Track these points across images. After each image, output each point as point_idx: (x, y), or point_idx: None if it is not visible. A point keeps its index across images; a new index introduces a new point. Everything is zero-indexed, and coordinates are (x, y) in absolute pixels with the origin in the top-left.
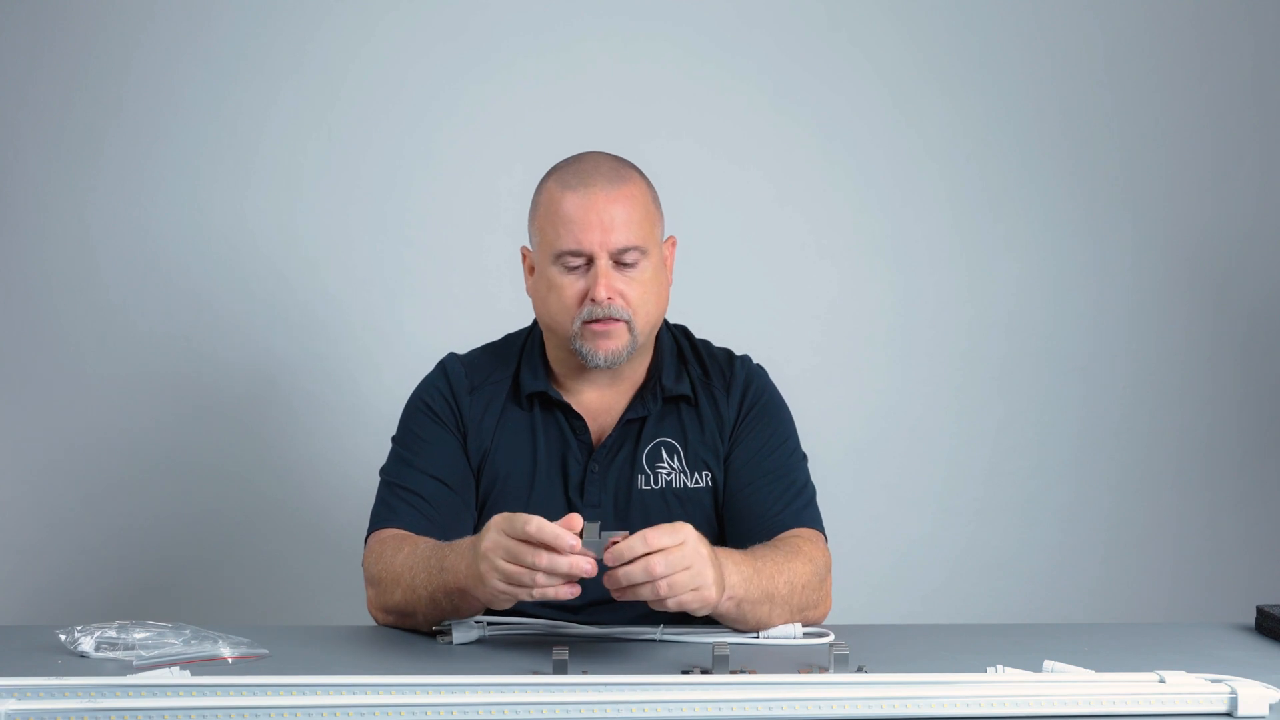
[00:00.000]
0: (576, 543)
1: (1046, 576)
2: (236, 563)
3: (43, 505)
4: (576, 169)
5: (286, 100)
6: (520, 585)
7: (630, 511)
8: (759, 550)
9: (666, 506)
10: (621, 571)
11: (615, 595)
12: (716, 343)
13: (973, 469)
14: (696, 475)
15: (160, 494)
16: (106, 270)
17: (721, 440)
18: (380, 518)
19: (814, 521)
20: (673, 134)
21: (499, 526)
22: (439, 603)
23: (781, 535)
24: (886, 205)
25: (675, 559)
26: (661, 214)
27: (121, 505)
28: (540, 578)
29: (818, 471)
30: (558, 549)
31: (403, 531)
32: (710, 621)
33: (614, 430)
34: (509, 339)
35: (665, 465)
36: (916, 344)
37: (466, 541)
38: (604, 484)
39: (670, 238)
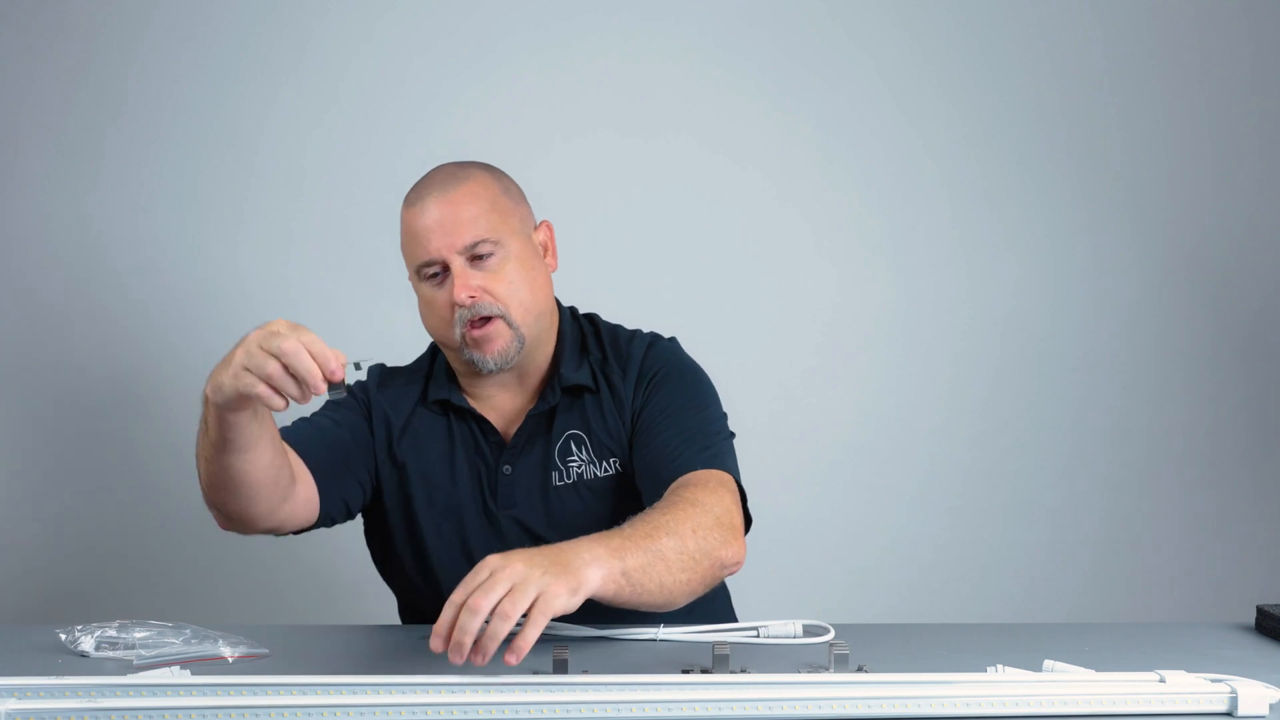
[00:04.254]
0: (338, 369)
1: (1046, 576)
2: (236, 563)
3: (43, 505)
4: (416, 186)
5: (286, 100)
6: (253, 369)
7: (549, 509)
8: (629, 521)
9: (580, 500)
10: (460, 630)
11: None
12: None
13: (972, 468)
14: (604, 464)
15: (161, 494)
16: (106, 270)
17: (623, 423)
18: None
19: (719, 463)
20: (673, 133)
21: (278, 323)
22: (200, 440)
23: (677, 483)
24: (886, 205)
25: (490, 587)
26: (520, 203)
27: (122, 505)
28: (273, 368)
29: (819, 471)
30: (316, 357)
31: None
32: (710, 620)
33: (518, 429)
34: (426, 352)
35: (575, 458)
36: (917, 344)
37: None
38: (519, 484)
39: (544, 223)
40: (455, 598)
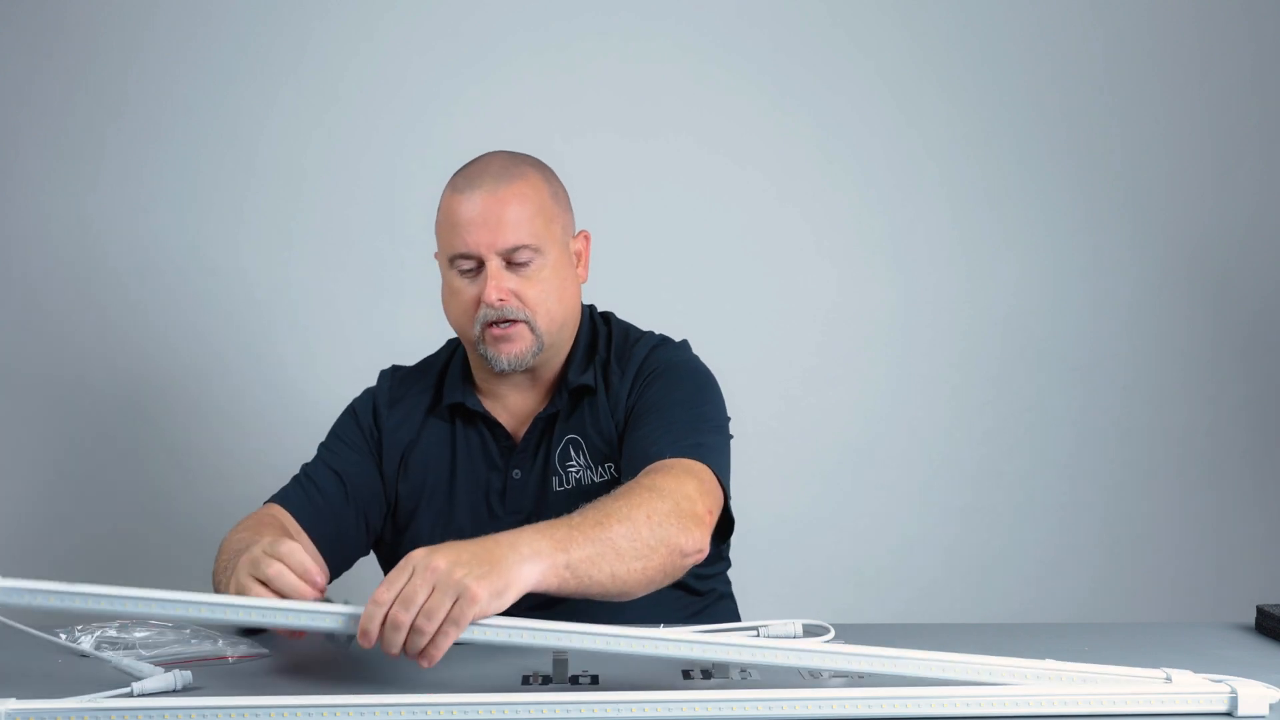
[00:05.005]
0: (320, 579)
1: (1046, 576)
2: None
3: (43, 505)
4: (468, 171)
5: (286, 100)
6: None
7: (549, 516)
8: (581, 508)
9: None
10: (385, 641)
11: (414, 658)
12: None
13: (972, 468)
14: (600, 469)
15: (161, 493)
16: (106, 270)
17: (615, 424)
18: (276, 494)
19: (697, 454)
20: (673, 133)
21: (271, 544)
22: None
23: (642, 471)
24: (886, 205)
25: (411, 593)
26: (566, 209)
27: (122, 505)
28: (256, 588)
29: (819, 471)
30: (297, 571)
31: (279, 513)
32: (708, 621)
33: (526, 432)
34: (443, 348)
35: (574, 463)
36: (917, 344)
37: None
38: (527, 490)
39: (582, 233)
40: (379, 596)
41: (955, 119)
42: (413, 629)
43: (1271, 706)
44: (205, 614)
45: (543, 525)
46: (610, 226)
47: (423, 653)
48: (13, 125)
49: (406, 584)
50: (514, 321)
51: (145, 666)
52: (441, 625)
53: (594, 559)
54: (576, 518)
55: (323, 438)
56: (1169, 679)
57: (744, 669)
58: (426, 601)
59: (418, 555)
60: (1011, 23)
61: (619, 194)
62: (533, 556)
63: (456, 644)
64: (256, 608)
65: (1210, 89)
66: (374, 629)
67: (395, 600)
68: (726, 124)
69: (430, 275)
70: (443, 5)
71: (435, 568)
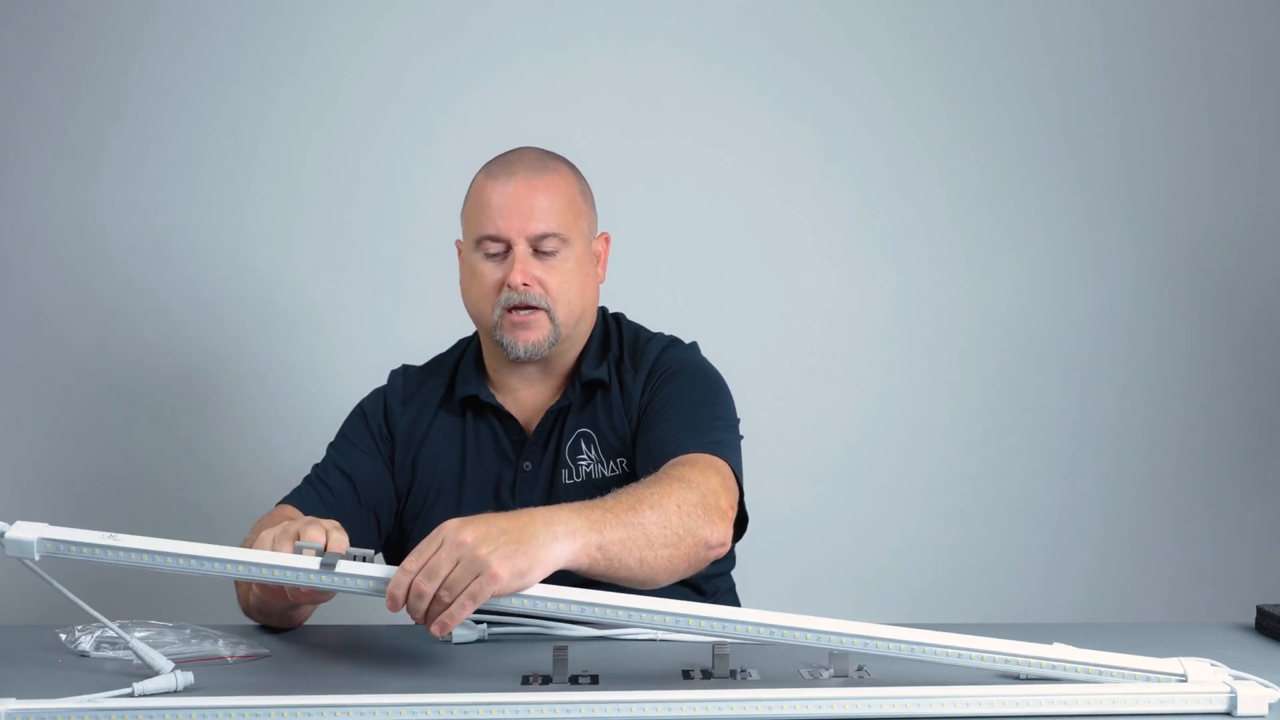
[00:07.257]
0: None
1: (1046, 576)
2: None
3: (42, 503)
4: (502, 160)
5: (286, 100)
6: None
7: None
8: (614, 492)
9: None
10: (410, 609)
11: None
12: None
13: (971, 469)
14: (612, 463)
15: (161, 493)
16: (107, 270)
17: (629, 420)
18: (289, 495)
19: (716, 450)
20: (674, 133)
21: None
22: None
23: (668, 464)
24: (886, 205)
25: (436, 565)
26: (592, 209)
27: (122, 504)
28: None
29: (819, 472)
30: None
31: (293, 514)
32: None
33: (538, 425)
34: (454, 347)
35: (585, 456)
36: (917, 344)
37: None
38: (538, 481)
39: (604, 234)
40: (408, 564)
41: (955, 119)
42: (434, 599)
43: (1271, 706)
44: (241, 571)
45: (578, 505)
46: (610, 226)
47: (436, 620)
48: (13, 125)
49: (433, 556)
50: (533, 309)
51: (160, 658)
52: (459, 598)
53: (625, 543)
54: (610, 500)
55: (325, 434)
56: (1183, 669)
57: (744, 669)
58: (449, 575)
59: (449, 526)
60: (1011, 23)
61: (619, 194)
62: (567, 536)
63: (459, 644)
64: (289, 568)
65: (1210, 89)
66: (400, 595)
67: (421, 570)
68: (727, 124)
69: (429, 274)
70: (443, 5)
71: (462, 542)
